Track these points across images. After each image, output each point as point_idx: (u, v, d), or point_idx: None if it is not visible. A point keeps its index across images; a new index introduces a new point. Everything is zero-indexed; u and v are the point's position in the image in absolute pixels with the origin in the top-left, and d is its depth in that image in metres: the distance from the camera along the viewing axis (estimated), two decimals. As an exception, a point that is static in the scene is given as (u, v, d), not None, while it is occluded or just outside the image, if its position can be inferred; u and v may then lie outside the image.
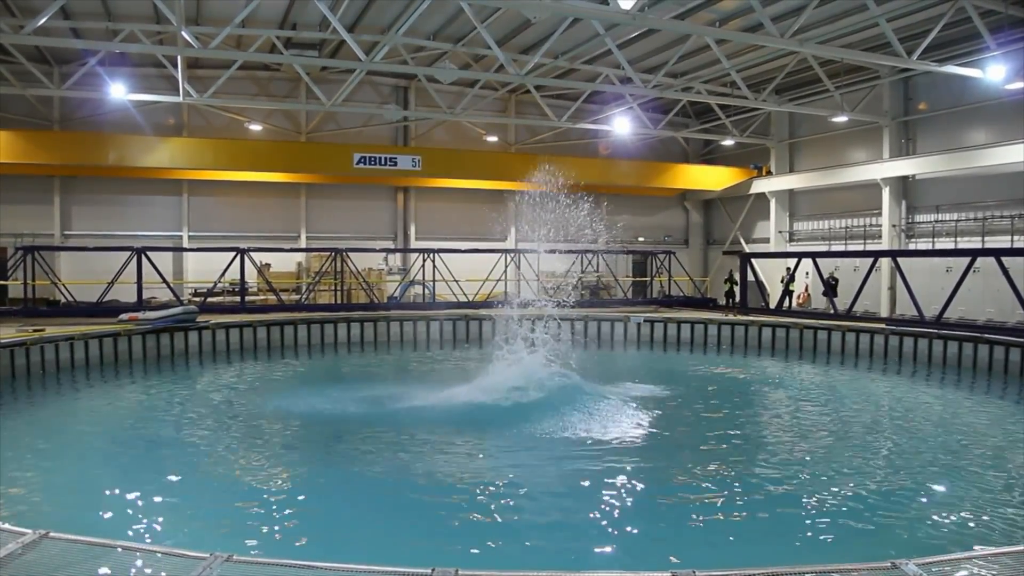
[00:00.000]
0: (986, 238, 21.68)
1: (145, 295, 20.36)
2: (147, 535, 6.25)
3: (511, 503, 7.29)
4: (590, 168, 29.21)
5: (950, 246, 22.59)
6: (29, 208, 24.45)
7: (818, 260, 20.85)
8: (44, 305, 21.42)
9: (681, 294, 26.46)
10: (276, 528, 6.57)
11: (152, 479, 7.94)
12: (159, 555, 3.70)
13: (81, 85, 21.43)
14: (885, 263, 22.81)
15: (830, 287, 21.40)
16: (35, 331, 14.85)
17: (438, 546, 6.20)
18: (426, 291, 24.16)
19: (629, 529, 6.67)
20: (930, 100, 23.60)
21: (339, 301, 23.57)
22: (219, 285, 22.24)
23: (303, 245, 27.30)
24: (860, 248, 25.63)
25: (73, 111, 24.71)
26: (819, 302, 25.03)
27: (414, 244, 28.44)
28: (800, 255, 23.00)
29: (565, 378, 12.01)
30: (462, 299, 23.02)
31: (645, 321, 19.78)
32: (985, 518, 6.69)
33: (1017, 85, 18.79)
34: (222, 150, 24.39)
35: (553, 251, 27.20)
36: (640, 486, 7.91)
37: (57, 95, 23.12)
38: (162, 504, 7.09)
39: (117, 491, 7.51)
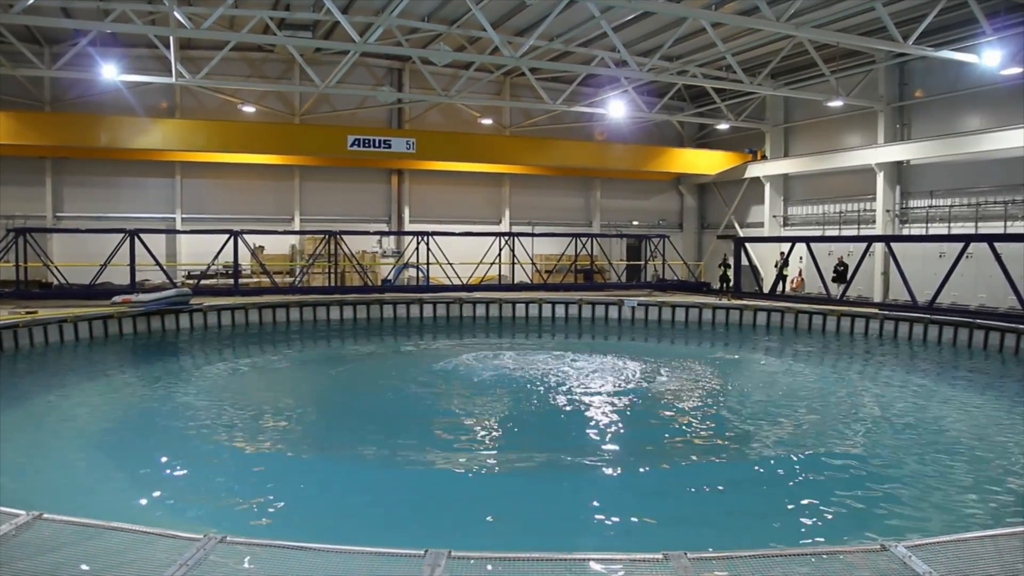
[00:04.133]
0: (979, 224, 21.73)
1: (138, 277, 20.31)
2: (141, 517, 6.26)
3: (504, 482, 7.32)
4: (585, 151, 29.16)
5: (944, 231, 22.63)
6: (21, 190, 24.25)
7: (822, 245, 20.85)
8: (37, 287, 21.38)
9: (675, 278, 26.52)
10: (270, 509, 6.60)
11: (145, 461, 7.96)
12: (153, 536, 3.71)
13: (72, 66, 21.21)
14: (879, 248, 22.86)
15: (839, 273, 21.43)
16: (28, 313, 14.82)
17: (430, 527, 6.23)
18: (420, 274, 24.15)
19: (621, 510, 6.71)
20: (925, 85, 23.55)
21: (333, 284, 23.54)
22: (212, 267, 22.19)
23: (297, 227, 27.20)
24: (854, 233, 25.66)
25: (64, 92, 24.49)
26: (813, 287, 25.11)
27: (408, 227, 28.36)
28: (794, 240, 23.04)
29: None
30: (456, 282, 23.03)
31: (639, 305, 19.83)
32: (974, 501, 6.75)
33: (1013, 71, 18.76)
34: (215, 132, 24.22)
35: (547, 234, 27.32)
36: (632, 467, 7.96)
37: (48, 76, 22.90)
38: (156, 486, 7.11)
39: (111, 473, 7.53)
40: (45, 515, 3.84)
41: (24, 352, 13.63)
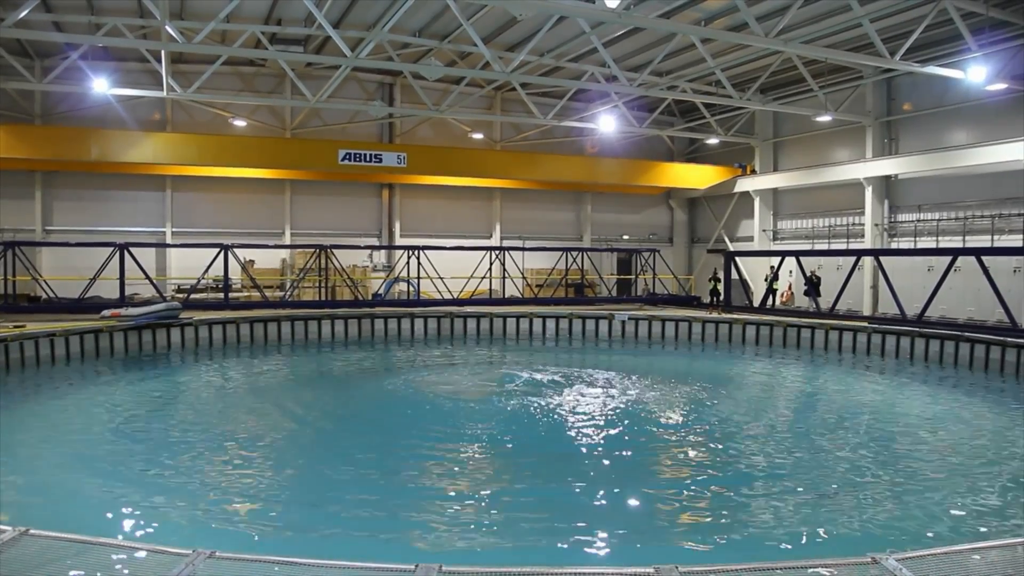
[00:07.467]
0: (967, 237, 21.89)
1: (128, 291, 20.22)
2: (129, 532, 6.21)
3: (495, 498, 7.30)
4: (576, 166, 29.28)
5: (932, 245, 22.79)
6: (10, 203, 24.13)
7: (801, 259, 21.01)
8: (25, 301, 21.24)
9: (666, 292, 26.57)
10: (259, 524, 6.55)
11: (134, 476, 7.90)
12: (141, 552, 3.68)
13: (63, 79, 21.19)
14: (868, 262, 22.99)
15: (813, 285, 21.57)
16: (16, 327, 14.72)
17: (421, 542, 6.20)
18: (411, 288, 24.13)
19: (612, 525, 6.69)
20: (913, 100, 23.79)
21: (323, 298, 23.49)
22: (203, 281, 22.09)
23: (287, 241, 27.16)
24: (843, 247, 25.81)
25: (55, 105, 24.44)
26: (803, 300, 25.20)
27: (399, 241, 28.36)
28: (784, 253, 23.14)
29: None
30: (447, 296, 23.02)
31: (630, 319, 19.85)
32: (964, 513, 6.76)
33: (998, 86, 18.97)
34: (206, 146, 24.19)
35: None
36: (622, 482, 7.95)
37: (38, 89, 22.85)
38: (144, 501, 7.05)
39: (99, 488, 7.47)
40: (32, 531, 3.81)
41: (12, 367, 13.52)
